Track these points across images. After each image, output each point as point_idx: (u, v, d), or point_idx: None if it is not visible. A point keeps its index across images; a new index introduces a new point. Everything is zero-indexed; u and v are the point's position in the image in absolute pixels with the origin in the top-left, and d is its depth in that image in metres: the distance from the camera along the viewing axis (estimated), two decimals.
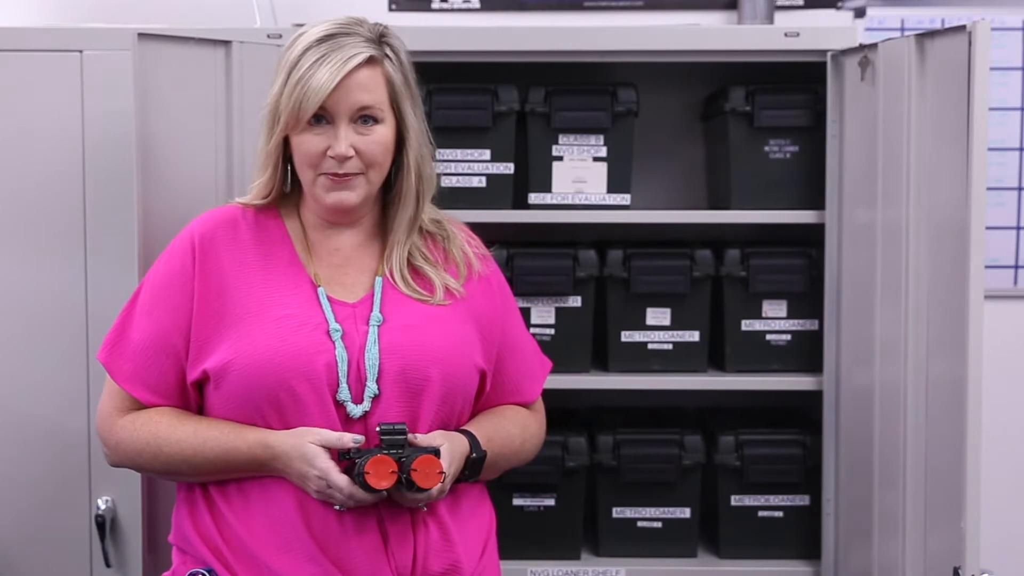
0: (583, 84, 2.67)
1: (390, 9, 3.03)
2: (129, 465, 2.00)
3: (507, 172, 2.65)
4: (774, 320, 2.68)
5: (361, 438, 1.86)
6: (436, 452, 1.85)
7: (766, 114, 2.64)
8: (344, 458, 1.85)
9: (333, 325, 1.92)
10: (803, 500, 2.66)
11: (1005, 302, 3.01)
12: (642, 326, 2.67)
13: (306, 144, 1.93)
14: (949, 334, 2.04)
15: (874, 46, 2.35)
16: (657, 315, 2.67)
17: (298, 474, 1.86)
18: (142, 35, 2.26)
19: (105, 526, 2.53)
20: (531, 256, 2.64)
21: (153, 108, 2.27)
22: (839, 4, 3.01)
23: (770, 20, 2.93)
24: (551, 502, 2.66)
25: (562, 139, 2.65)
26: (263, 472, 1.89)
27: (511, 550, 2.55)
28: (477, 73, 2.64)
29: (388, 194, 2.04)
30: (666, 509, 2.67)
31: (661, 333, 2.68)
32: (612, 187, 2.66)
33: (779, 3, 2.97)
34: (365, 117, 1.94)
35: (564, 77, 2.69)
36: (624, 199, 2.66)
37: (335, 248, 2.02)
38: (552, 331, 2.66)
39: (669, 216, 2.73)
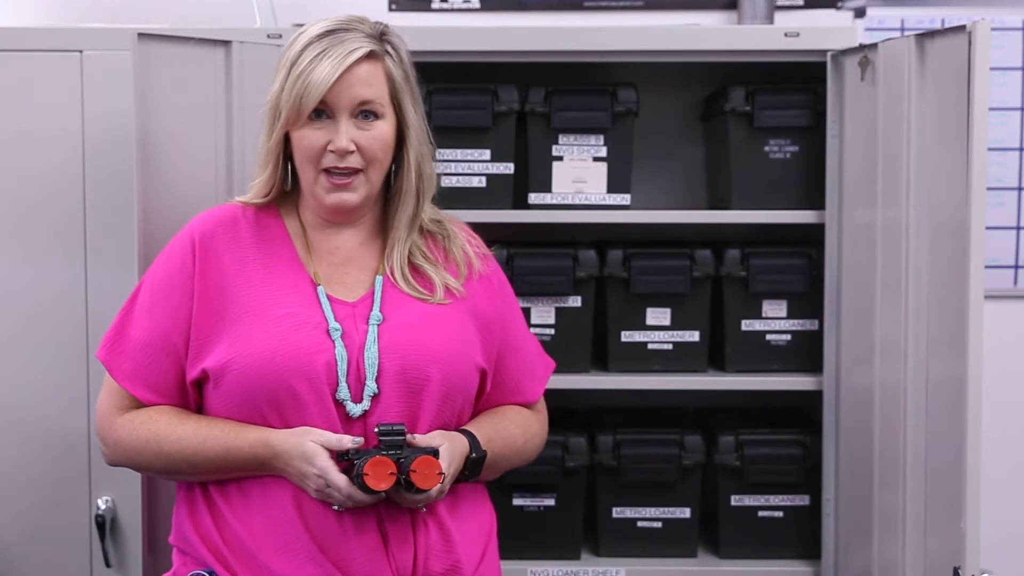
0: (583, 84, 2.67)
1: (390, 9, 3.03)
2: (128, 464, 2.00)
3: (507, 172, 2.65)
4: (774, 320, 2.68)
5: (360, 439, 1.86)
6: (435, 453, 1.84)
7: (766, 114, 2.64)
8: (343, 459, 1.84)
9: (333, 324, 1.92)
10: (803, 500, 2.66)
11: (1005, 302, 3.01)
12: (642, 326, 2.67)
13: (307, 139, 1.93)
14: (949, 334, 2.04)
15: (874, 46, 2.35)
16: (657, 315, 2.67)
17: (298, 473, 1.86)
18: (142, 35, 2.26)
19: (105, 526, 2.53)
20: (531, 256, 2.64)
21: (153, 108, 2.27)
22: (839, 4, 3.01)
23: (770, 20, 2.93)
24: (551, 502, 2.66)
25: (562, 139, 2.65)
26: (263, 471, 1.89)
27: (511, 550, 2.55)
28: (477, 73, 2.64)
29: (388, 192, 2.04)
30: (666, 509, 2.67)
31: (661, 333, 2.68)
32: (612, 187, 2.66)
33: (779, 3, 2.97)
34: (366, 112, 1.94)
35: (564, 77, 2.69)
36: (624, 199, 2.66)
37: (335, 247, 2.02)
38: (552, 331, 2.66)
39: (669, 216, 2.73)
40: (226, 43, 2.39)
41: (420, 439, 1.88)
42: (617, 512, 2.67)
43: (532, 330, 2.61)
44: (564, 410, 2.74)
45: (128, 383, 1.96)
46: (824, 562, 2.60)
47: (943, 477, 2.08)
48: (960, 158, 1.99)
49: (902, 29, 2.98)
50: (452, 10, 3.03)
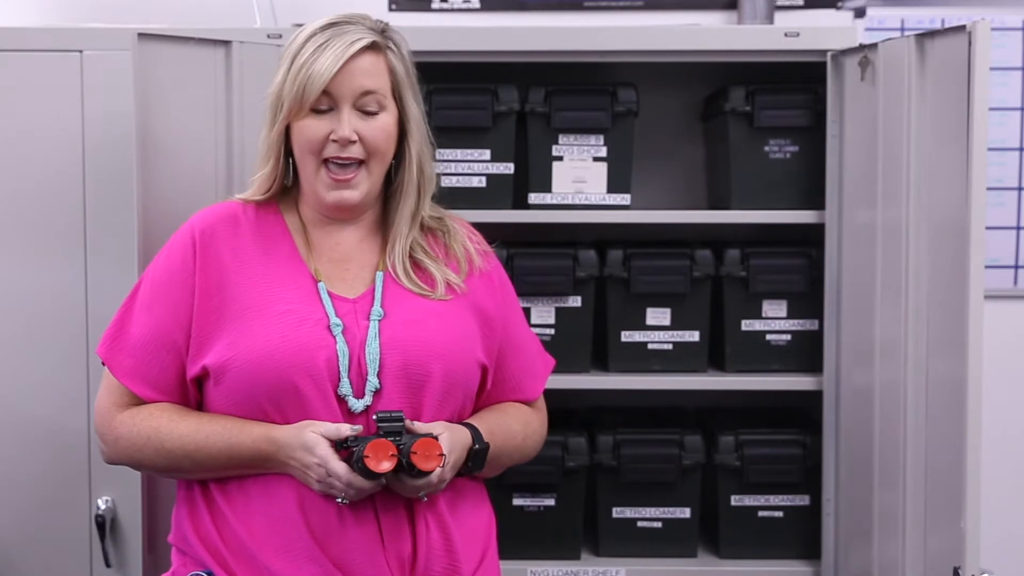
0: (583, 84, 2.67)
1: (390, 9, 3.03)
2: (127, 461, 1.99)
3: (507, 172, 2.65)
4: (774, 320, 2.68)
5: (359, 427, 1.85)
6: (435, 437, 1.84)
7: (766, 114, 2.64)
8: (343, 447, 1.84)
9: (334, 320, 1.92)
10: (803, 500, 2.66)
11: (1005, 302, 3.01)
12: (642, 326, 2.67)
13: (309, 129, 1.94)
14: (949, 334, 2.04)
15: (874, 46, 2.35)
16: (657, 315, 2.67)
17: (300, 464, 1.85)
18: (142, 35, 2.26)
19: (105, 526, 2.53)
20: (531, 256, 2.64)
21: (153, 108, 2.27)
22: (839, 4, 3.01)
23: (770, 20, 2.93)
24: (551, 502, 2.66)
25: (562, 139, 2.65)
26: (266, 467, 1.89)
27: (511, 550, 2.56)
28: (477, 73, 2.64)
29: (388, 189, 2.05)
30: (666, 509, 2.67)
31: (661, 333, 2.68)
32: (612, 187, 2.66)
33: (779, 3, 2.97)
34: (368, 107, 1.94)
35: (564, 77, 2.69)
36: (624, 199, 2.66)
37: (335, 243, 2.02)
38: (552, 331, 2.66)
39: (669, 216, 2.73)
40: (226, 43, 2.39)
41: (420, 426, 1.88)
42: (617, 512, 2.67)
43: (532, 330, 2.61)
44: (564, 410, 2.74)
45: (128, 380, 1.96)
46: (824, 562, 2.60)
47: (943, 477, 2.08)
48: (960, 158, 1.99)
49: (902, 29, 2.99)
50: (452, 10, 3.03)
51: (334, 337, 1.91)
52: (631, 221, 2.68)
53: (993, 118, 2.79)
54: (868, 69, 2.38)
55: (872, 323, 2.36)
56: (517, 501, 2.65)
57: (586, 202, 2.66)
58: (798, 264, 2.65)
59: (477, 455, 1.94)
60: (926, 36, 2.17)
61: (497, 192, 2.65)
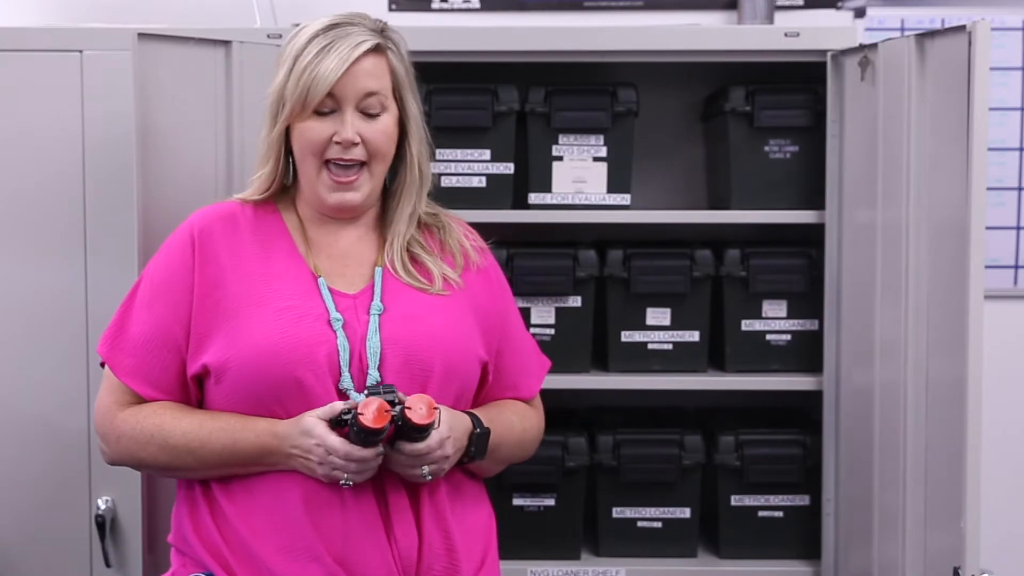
0: (583, 84, 2.67)
1: (390, 9, 3.03)
2: (129, 460, 1.99)
3: (507, 172, 2.65)
4: (774, 320, 2.68)
5: (352, 401, 1.85)
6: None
7: (766, 114, 2.64)
8: (339, 425, 1.84)
9: (334, 315, 1.92)
10: (803, 500, 2.66)
11: (1005, 302, 3.01)
12: (642, 326, 2.67)
13: (311, 131, 1.94)
14: (949, 334, 2.04)
15: (874, 46, 2.35)
16: (657, 315, 2.67)
17: (301, 451, 1.85)
18: (142, 35, 2.26)
19: (105, 526, 2.53)
20: (531, 256, 2.64)
21: (153, 108, 2.27)
22: (839, 4, 3.01)
23: (770, 20, 2.93)
24: (551, 502, 2.66)
25: (562, 139, 2.65)
26: (269, 463, 1.89)
27: (511, 550, 2.56)
28: (477, 73, 2.64)
29: (388, 188, 2.05)
30: (666, 509, 2.67)
31: (661, 333, 2.68)
32: (612, 187, 2.66)
33: (779, 3, 2.97)
34: (370, 112, 1.95)
35: (564, 77, 2.69)
36: (624, 199, 2.66)
37: (334, 241, 2.03)
38: (552, 331, 2.66)
39: (669, 216, 2.73)
40: (226, 43, 2.39)
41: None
42: (617, 512, 2.67)
43: (532, 330, 2.62)
44: (564, 410, 2.74)
45: (129, 379, 1.96)
46: (824, 562, 2.60)
47: (943, 477, 2.08)
48: (960, 158, 1.99)
49: (902, 29, 2.99)
50: (452, 10, 3.03)
51: (334, 332, 1.91)
52: (631, 221, 2.68)
53: (993, 118, 2.79)
54: (868, 69, 2.38)
55: (872, 323, 2.36)
56: (517, 501, 2.65)
57: (586, 202, 2.66)
58: (798, 264, 2.65)
59: (479, 438, 1.94)
60: (926, 36, 2.17)
61: (497, 192, 2.65)
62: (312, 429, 1.84)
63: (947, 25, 2.38)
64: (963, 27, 1.99)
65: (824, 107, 2.56)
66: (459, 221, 2.14)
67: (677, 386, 2.70)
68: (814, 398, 2.63)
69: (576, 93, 2.64)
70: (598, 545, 2.69)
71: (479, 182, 2.65)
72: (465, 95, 2.63)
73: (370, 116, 1.95)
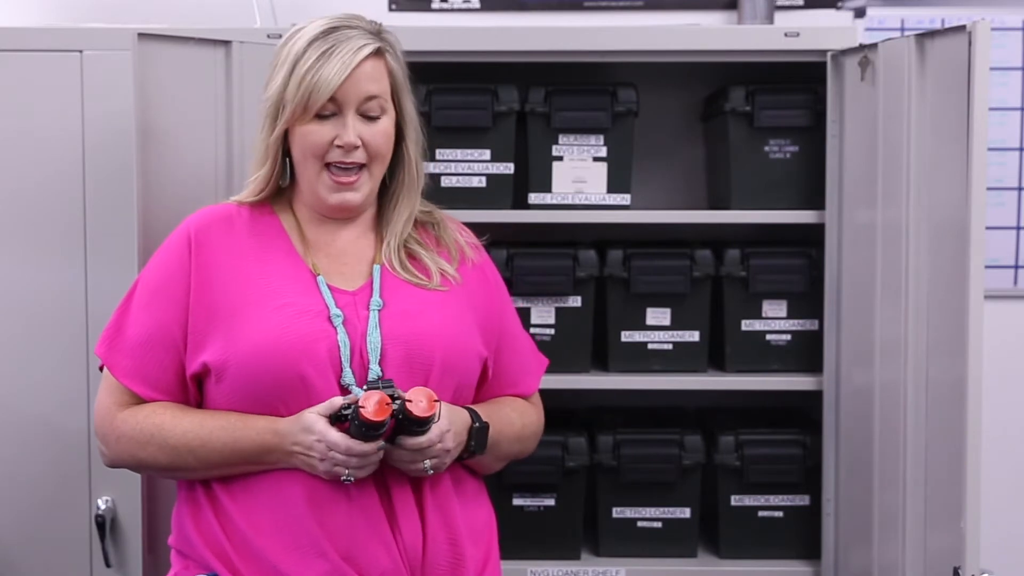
0: (583, 84, 2.67)
1: (390, 9, 3.02)
2: (129, 461, 1.99)
3: (507, 172, 2.65)
4: (774, 320, 2.68)
5: (351, 396, 1.85)
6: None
7: (766, 114, 2.64)
8: (339, 420, 1.84)
9: (334, 311, 1.93)
10: (803, 500, 2.66)
11: (1005, 302, 3.01)
12: (642, 326, 2.67)
13: (313, 135, 1.94)
14: (949, 334, 2.04)
15: (874, 46, 2.35)
16: (657, 315, 2.67)
17: (302, 448, 1.85)
18: (142, 35, 2.26)
19: (105, 526, 2.53)
20: (531, 256, 2.64)
21: (153, 108, 2.27)
22: (839, 4, 3.01)
23: (770, 20, 2.93)
24: (551, 502, 2.66)
25: (562, 139, 2.65)
26: (270, 461, 1.89)
27: (511, 550, 2.55)
28: (477, 73, 2.64)
29: (384, 188, 2.06)
30: (666, 509, 2.67)
31: (661, 333, 2.68)
32: (612, 187, 2.66)
33: (779, 3, 2.97)
34: (370, 115, 1.96)
35: (564, 77, 2.69)
36: (624, 199, 2.66)
37: (332, 240, 2.03)
38: (552, 331, 2.66)
39: (669, 216, 2.73)
40: (226, 43, 2.39)
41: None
42: (617, 512, 2.67)
43: (532, 330, 2.62)
44: (564, 410, 2.74)
45: (128, 380, 1.96)
46: (824, 562, 2.60)
47: (943, 477, 2.08)
48: (960, 158, 1.99)
49: (902, 29, 2.99)
50: (452, 10, 3.03)
51: (334, 328, 1.91)
52: (631, 221, 2.68)
53: (993, 118, 2.78)
54: (868, 69, 2.38)
55: (872, 323, 2.36)
56: (517, 501, 2.65)
57: (586, 202, 2.66)
58: (798, 264, 2.65)
59: (479, 432, 1.95)
60: (926, 36, 2.17)
61: (497, 192, 2.65)
62: (312, 425, 1.84)
63: (947, 25, 2.38)
64: (963, 27, 1.99)
65: (824, 107, 2.56)
66: (452, 219, 2.15)
67: (677, 386, 2.70)
68: (814, 398, 2.63)
69: (576, 93, 2.64)
70: (598, 545, 2.69)
71: (479, 182, 2.65)
72: (465, 95, 2.63)
73: (370, 119, 1.96)
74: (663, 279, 2.65)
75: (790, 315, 2.68)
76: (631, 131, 2.66)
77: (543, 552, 2.66)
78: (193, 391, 1.97)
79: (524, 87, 2.64)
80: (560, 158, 2.65)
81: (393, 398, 1.81)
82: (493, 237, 2.42)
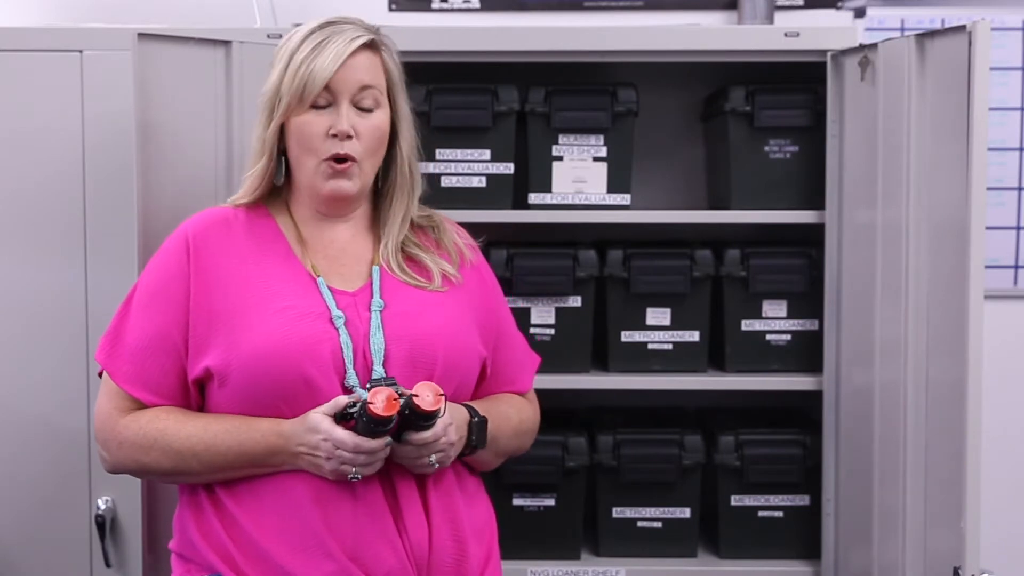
0: (583, 84, 2.67)
1: (390, 9, 3.03)
2: (132, 466, 1.98)
3: (507, 172, 2.65)
4: (774, 320, 2.68)
5: (355, 396, 1.86)
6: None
7: (766, 114, 2.64)
8: (345, 418, 1.84)
9: (335, 312, 1.93)
10: (803, 500, 2.66)
11: (1005, 302, 3.01)
12: (642, 326, 2.67)
13: (308, 125, 1.96)
14: (949, 334, 2.04)
15: (874, 46, 2.35)
16: (657, 315, 2.67)
17: (308, 448, 1.85)
18: (142, 35, 2.26)
19: (105, 526, 2.53)
20: (531, 256, 2.64)
21: (153, 108, 2.27)
22: (839, 4, 3.01)
23: (770, 20, 2.93)
24: (551, 502, 2.66)
25: (562, 139, 2.65)
26: (275, 463, 1.89)
27: (511, 550, 2.55)
28: (477, 73, 2.64)
29: (379, 189, 2.07)
30: (666, 509, 2.67)
31: (661, 333, 2.68)
32: (612, 187, 2.66)
33: (779, 3, 2.97)
34: (364, 106, 1.97)
35: (564, 77, 2.69)
36: (624, 199, 2.66)
37: (329, 241, 2.04)
38: (552, 331, 2.66)
39: (669, 216, 2.73)
40: (226, 43, 2.39)
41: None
42: (617, 512, 2.67)
43: (532, 330, 2.62)
44: (564, 410, 2.74)
45: (129, 385, 1.96)
46: (824, 562, 2.60)
47: (943, 477, 2.08)
48: (960, 158, 1.99)
49: (902, 29, 2.99)
50: (452, 10, 3.03)
51: (337, 329, 1.92)
52: (631, 221, 2.68)
53: (993, 118, 2.78)
54: (868, 69, 2.38)
55: (872, 323, 2.36)
56: (517, 501, 2.65)
57: (586, 202, 2.66)
58: (798, 264, 2.65)
59: (479, 426, 1.96)
60: (926, 36, 2.17)
61: (497, 192, 2.65)
62: (318, 425, 1.84)
63: (947, 25, 2.38)
64: (963, 27, 1.99)
65: (824, 107, 2.56)
66: (449, 220, 2.16)
67: (677, 386, 2.70)
68: (814, 398, 2.63)
69: (576, 93, 2.64)
70: (598, 545, 2.69)
71: (479, 182, 2.65)
72: (465, 95, 2.63)
73: (364, 111, 1.97)
74: (663, 279, 2.65)
75: (790, 315, 2.68)
76: (631, 131, 2.66)
77: (543, 552, 2.66)
78: (195, 395, 1.97)
79: (524, 87, 2.64)
80: (560, 158, 2.65)
81: (398, 392, 1.82)
82: (493, 237, 2.43)
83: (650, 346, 2.68)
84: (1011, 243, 3.01)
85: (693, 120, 2.95)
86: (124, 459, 1.97)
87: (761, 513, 2.67)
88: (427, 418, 1.83)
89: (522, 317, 2.62)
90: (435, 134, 2.61)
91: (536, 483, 2.64)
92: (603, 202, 2.66)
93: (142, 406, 1.97)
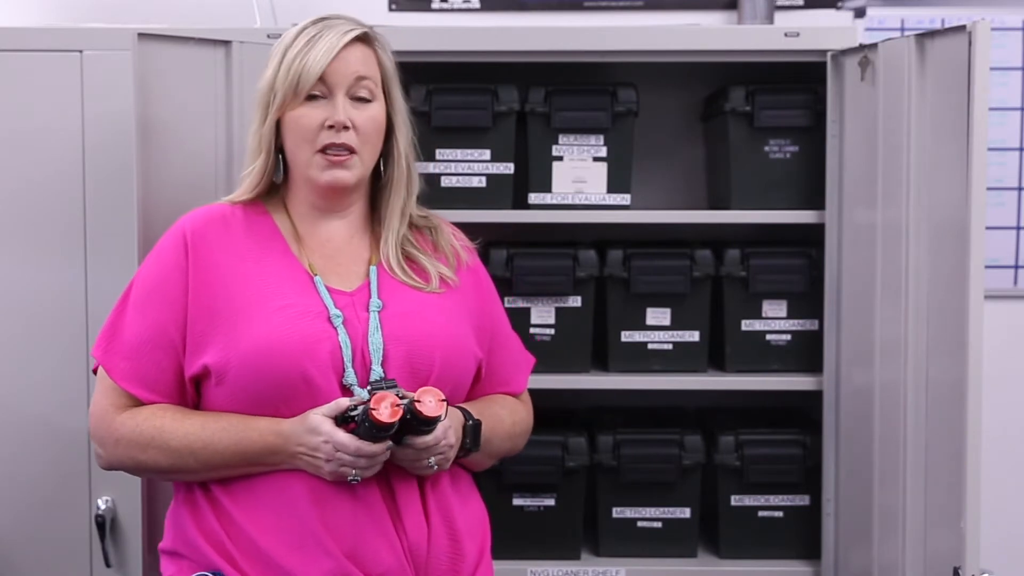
0: (583, 84, 2.67)
1: (390, 9, 3.02)
2: (128, 463, 1.98)
3: (507, 172, 2.65)
4: (774, 320, 2.68)
5: (356, 397, 1.86)
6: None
7: (766, 114, 2.64)
8: (345, 421, 1.84)
9: (334, 311, 1.93)
10: (803, 500, 2.66)
11: (1005, 302, 3.01)
12: (642, 326, 2.67)
13: (304, 118, 1.96)
14: (949, 334, 2.04)
15: (874, 46, 2.35)
16: (657, 315, 2.67)
17: (307, 449, 1.85)
18: (142, 35, 2.26)
19: (105, 526, 2.53)
20: (531, 256, 2.64)
21: (153, 108, 2.27)
22: (839, 4, 3.01)
23: (770, 20, 2.93)
24: (551, 502, 2.66)
25: (562, 139, 2.65)
26: (273, 462, 1.89)
27: (511, 550, 2.56)
28: (477, 73, 2.64)
29: (376, 184, 2.07)
30: (666, 509, 2.67)
31: (661, 333, 2.68)
32: (612, 187, 2.66)
33: (779, 3, 2.97)
34: (359, 96, 1.98)
35: (564, 77, 2.69)
36: (624, 199, 2.66)
37: (326, 239, 2.03)
38: (552, 331, 2.66)
39: (669, 216, 2.73)
40: (226, 43, 2.39)
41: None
42: (617, 512, 2.67)
43: (532, 330, 2.62)
44: (564, 410, 2.74)
45: (125, 382, 1.96)
46: (824, 562, 2.60)
47: (943, 477, 2.08)
48: (960, 158, 1.99)
49: (902, 29, 2.99)
50: (452, 10, 3.03)
51: (335, 329, 1.92)
52: (631, 221, 2.68)
53: (993, 118, 2.78)
54: (868, 69, 2.38)
55: (872, 323, 2.36)
56: (517, 501, 2.65)
57: (586, 202, 2.66)
58: (798, 264, 2.65)
59: (473, 430, 1.96)
60: (926, 36, 2.17)
61: (497, 192, 2.65)
62: (319, 426, 1.84)
63: (947, 25, 2.38)
64: (963, 27, 1.99)
65: (824, 107, 2.56)
66: (446, 222, 2.16)
67: (677, 386, 2.70)
68: (814, 398, 2.63)
69: (576, 93, 2.64)
70: (598, 545, 2.69)
71: (479, 182, 2.65)
72: (465, 95, 2.63)
73: (360, 101, 1.98)
74: (663, 279, 2.65)
75: (790, 315, 2.68)
76: (631, 131, 2.66)
77: (543, 552, 2.65)
78: (191, 393, 1.97)
79: (524, 87, 2.64)
80: (560, 158, 2.65)
81: (400, 397, 1.82)
82: (493, 237, 2.43)
83: (650, 346, 2.68)
84: (1011, 243, 3.01)
85: (693, 120, 2.95)
86: (120, 456, 1.97)
87: (761, 513, 2.67)
88: (429, 423, 1.84)
89: (522, 317, 2.62)
90: (435, 134, 2.61)
91: (536, 483, 2.63)
92: (603, 202, 2.66)
93: (138, 403, 1.96)
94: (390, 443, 1.85)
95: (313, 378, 1.88)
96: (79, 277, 2.53)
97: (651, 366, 2.68)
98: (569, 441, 2.63)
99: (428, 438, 1.86)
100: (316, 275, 1.98)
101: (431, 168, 2.61)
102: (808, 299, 2.65)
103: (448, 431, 1.89)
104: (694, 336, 2.68)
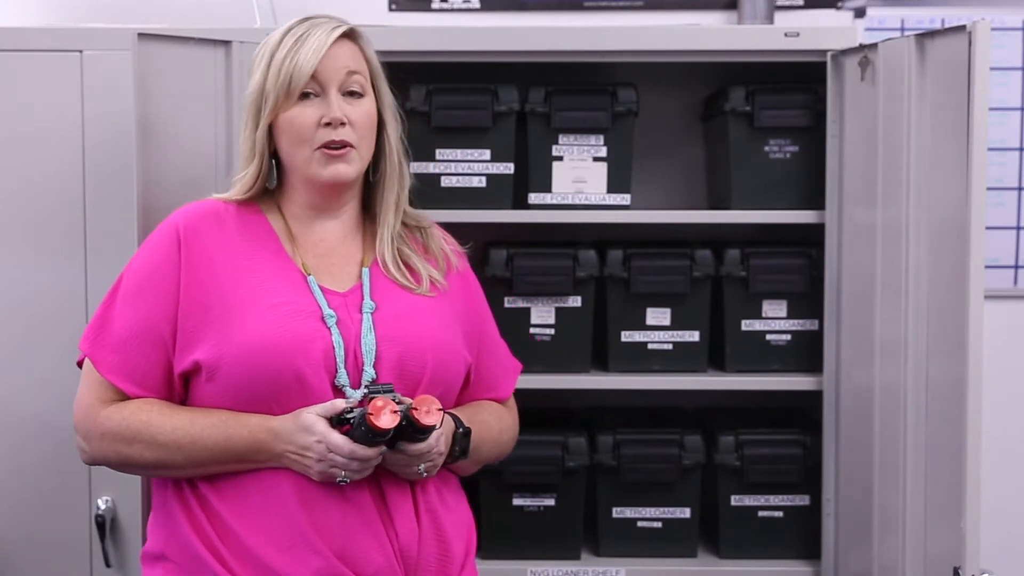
0: (583, 84, 2.67)
1: (390, 9, 3.03)
2: (113, 457, 1.96)
3: (507, 172, 2.65)
4: (774, 320, 2.68)
5: (352, 399, 1.86)
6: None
7: (766, 114, 2.64)
8: (339, 423, 1.84)
9: (327, 311, 1.93)
10: (803, 500, 2.66)
11: (1005, 302, 3.01)
12: (642, 326, 2.67)
13: (299, 118, 1.96)
14: (949, 334, 2.04)
15: (874, 46, 2.35)
16: (657, 315, 2.67)
17: (298, 448, 1.85)
18: (142, 35, 2.26)
19: (105, 526, 2.53)
20: (531, 256, 2.64)
21: (153, 108, 2.27)
22: (839, 4, 3.01)
23: (770, 20, 2.93)
24: (551, 502, 2.66)
25: (562, 139, 2.65)
26: (261, 460, 1.88)
27: (511, 550, 2.56)
28: (477, 73, 2.64)
29: (368, 182, 2.06)
30: (666, 509, 2.67)
31: (661, 333, 2.68)
32: (612, 187, 2.66)
33: (779, 3, 2.98)
34: (352, 90, 1.98)
35: (564, 77, 2.69)
36: (624, 199, 2.66)
37: (320, 239, 2.03)
38: (552, 331, 2.66)
39: (669, 216, 2.73)
40: (226, 43, 2.39)
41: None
42: (617, 512, 2.67)
43: (532, 330, 2.62)
44: (564, 410, 2.75)
45: (113, 376, 1.94)
46: (824, 562, 2.60)
47: (943, 477, 2.08)
48: (960, 158, 1.99)
49: (902, 29, 2.99)
50: (452, 10, 3.03)
51: (328, 328, 1.91)
52: (631, 221, 2.68)
53: (993, 118, 2.78)
54: (868, 69, 2.38)
55: (872, 323, 2.36)
56: (517, 501, 2.65)
57: (586, 202, 2.66)
58: (798, 264, 2.65)
59: (462, 438, 1.96)
60: (926, 36, 2.17)
61: (497, 192, 2.65)
62: (312, 425, 1.84)
63: (947, 25, 2.38)
64: (963, 27, 1.99)
65: (824, 107, 2.56)
66: (437, 226, 2.16)
67: (677, 386, 2.70)
68: (814, 398, 2.63)
69: (576, 93, 2.64)
70: (598, 545, 2.69)
71: (479, 182, 2.65)
72: (465, 95, 2.63)
73: (352, 95, 1.98)
74: (663, 279, 2.66)
75: (790, 315, 2.68)
76: (631, 131, 2.66)
77: (543, 552, 2.65)
78: (179, 389, 1.95)
79: (524, 87, 2.64)
80: (560, 158, 2.65)
81: (397, 402, 1.82)
82: (493, 237, 2.42)
83: (650, 346, 2.68)
84: (1011, 243, 3.02)
85: (693, 120, 2.95)
86: (105, 450, 1.96)
87: (761, 513, 2.67)
88: (425, 431, 1.84)
89: (522, 317, 2.63)
90: (435, 134, 2.61)
91: (536, 483, 2.63)
92: (603, 202, 2.66)
93: (124, 397, 1.95)
94: (384, 448, 1.85)
95: (306, 377, 1.88)
96: (79, 277, 2.53)
97: (651, 366, 2.68)
98: (569, 441, 2.63)
99: (421, 445, 1.86)
100: (310, 275, 1.98)
101: (431, 168, 2.61)
102: (808, 299, 2.65)
103: (440, 439, 1.89)
104: (694, 336, 2.68)
